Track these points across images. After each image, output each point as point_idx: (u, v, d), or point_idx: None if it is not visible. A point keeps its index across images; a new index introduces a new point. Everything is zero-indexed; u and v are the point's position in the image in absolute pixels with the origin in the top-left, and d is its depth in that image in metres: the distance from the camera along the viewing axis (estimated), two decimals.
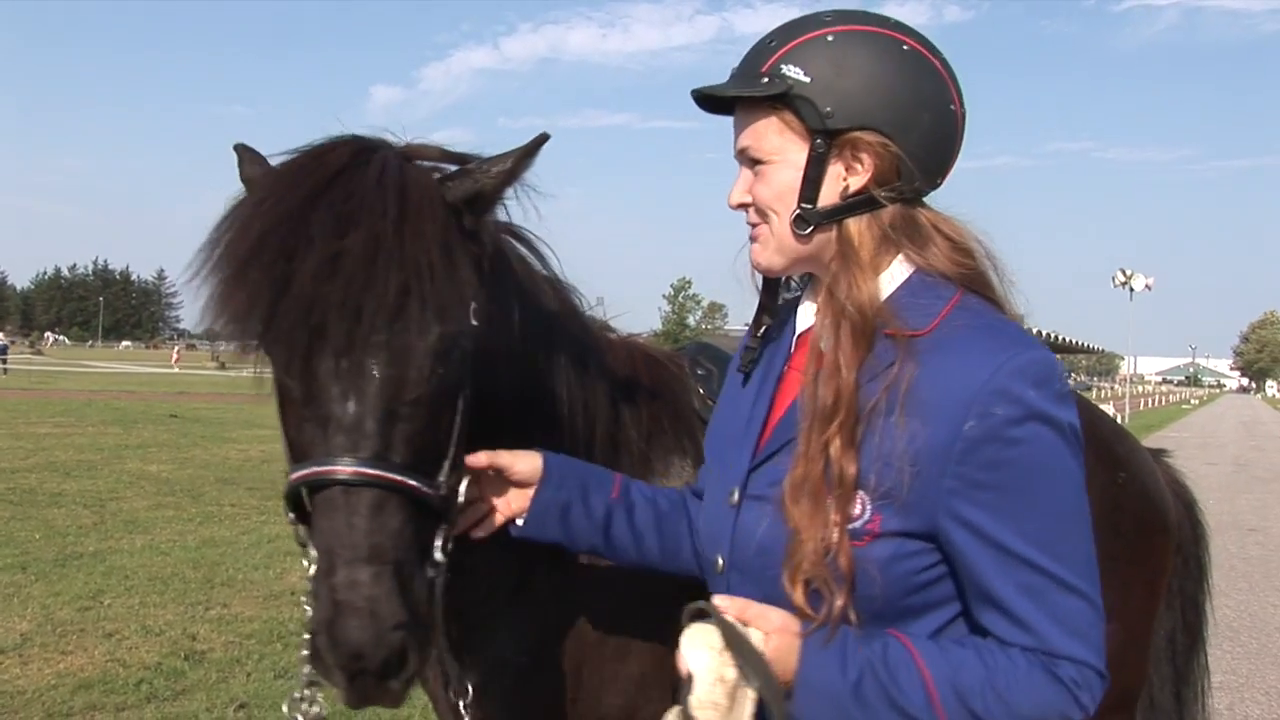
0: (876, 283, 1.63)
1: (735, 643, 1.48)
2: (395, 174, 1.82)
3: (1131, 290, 51.36)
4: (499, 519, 2.01)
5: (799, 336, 1.80)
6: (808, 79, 1.61)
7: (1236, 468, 26.01)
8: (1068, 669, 1.51)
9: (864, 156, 1.63)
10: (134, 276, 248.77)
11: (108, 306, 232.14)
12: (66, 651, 6.91)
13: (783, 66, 1.63)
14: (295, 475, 1.74)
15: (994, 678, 1.49)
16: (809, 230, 1.65)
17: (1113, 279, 51.72)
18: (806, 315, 1.78)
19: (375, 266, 1.71)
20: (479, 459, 1.93)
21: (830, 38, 1.63)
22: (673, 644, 1.56)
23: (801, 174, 1.64)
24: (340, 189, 1.78)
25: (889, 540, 1.53)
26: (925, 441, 1.50)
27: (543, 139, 1.97)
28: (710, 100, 1.76)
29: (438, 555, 1.80)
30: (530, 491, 1.97)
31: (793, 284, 1.89)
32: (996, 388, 1.48)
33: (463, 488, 1.91)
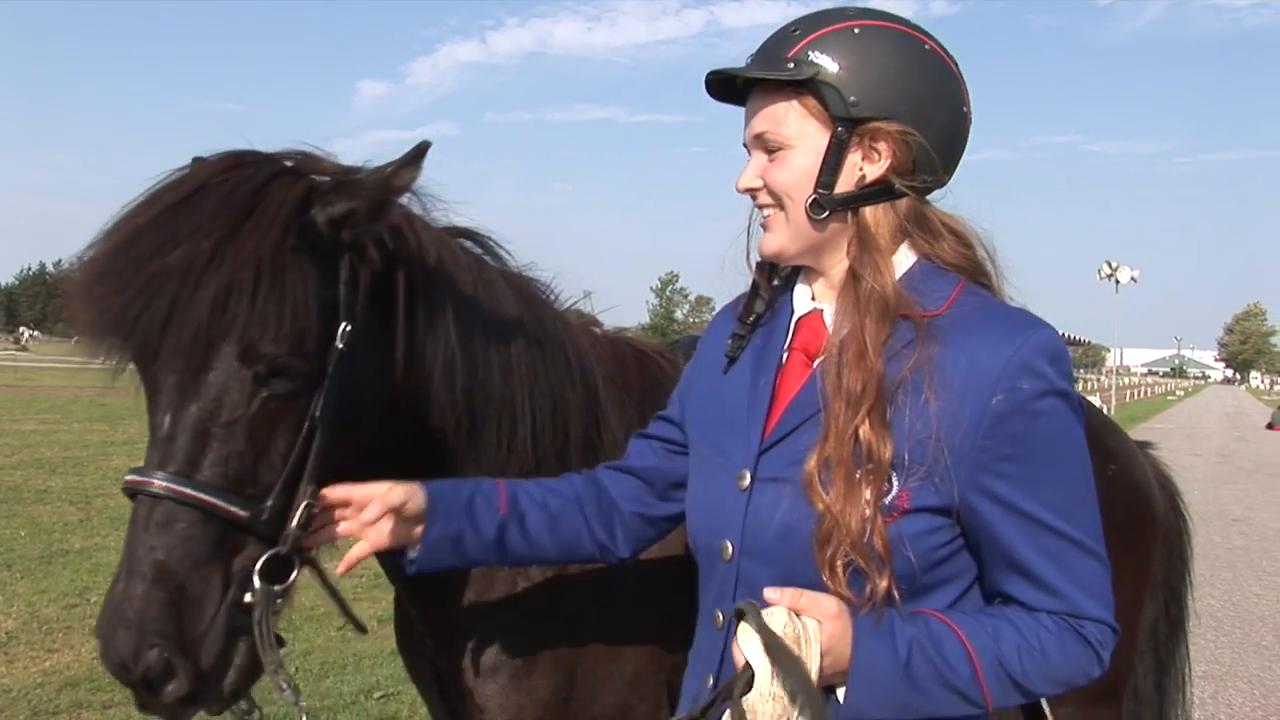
0: (894, 267, 1.68)
1: (775, 650, 1.46)
2: (246, 192, 1.83)
3: (1117, 282, 51.51)
4: (368, 550, 1.92)
5: (798, 320, 1.80)
6: (834, 67, 1.65)
7: (1221, 458, 26.14)
8: (1092, 629, 1.60)
9: (882, 146, 1.67)
10: None
11: None
12: (53, 649, 6.89)
13: (810, 53, 1.65)
14: (123, 479, 1.80)
15: (1028, 643, 1.57)
16: (824, 216, 1.69)
17: (1099, 271, 51.88)
18: (803, 300, 1.81)
19: (191, 286, 1.72)
20: (334, 494, 1.87)
21: (857, 30, 1.67)
22: (666, 642, 1.56)
23: (820, 160, 1.67)
24: (184, 207, 1.81)
25: (916, 516, 1.57)
26: (955, 417, 1.55)
27: (423, 147, 1.95)
28: (720, 87, 1.78)
29: (256, 580, 1.78)
30: (413, 525, 1.92)
31: (782, 271, 1.90)
32: (1021, 363, 1.55)
33: (298, 513, 1.82)
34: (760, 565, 1.67)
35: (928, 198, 1.75)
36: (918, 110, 1.67)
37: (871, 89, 1.65)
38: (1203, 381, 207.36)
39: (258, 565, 1.79)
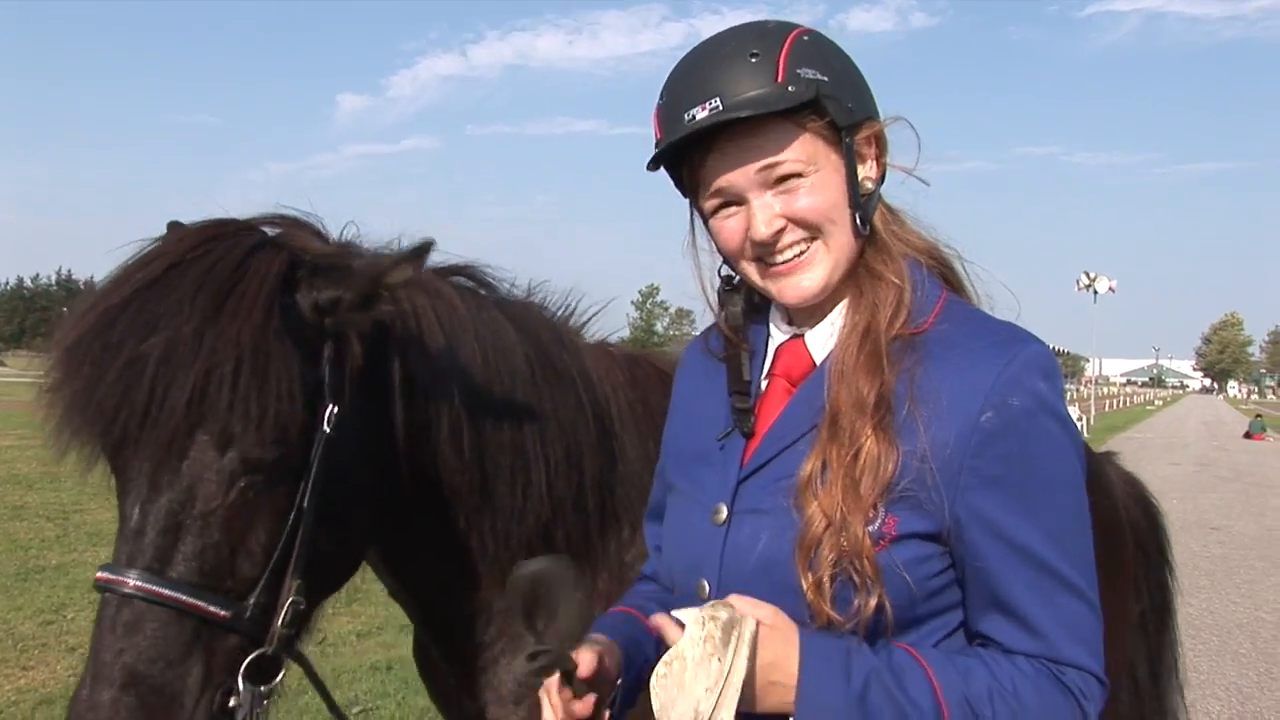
0: (905, 269, 1.60)
1: (709, 615, 1.40)
2: (225, 269, 1.74)
3: (1095, 293, 51.82)
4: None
5: (778, 347, 1.69)
6: (825, 77, 1.53)
7: (1199, 467, 26.27)
8: (1074, 677, 1.46)
9: (872, 146, 1.60)
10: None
11: None
12: (28, 667, 6.84)
13: (798, 70, 1.52)
14: (95, 577, 1.70)
15: (1002, 686, 1.43)
16: (868, 231, 1.59)
17: (1077, 282, 52.17)
18: (780, 326, 1.70)
19: (169, 374, 1.64)
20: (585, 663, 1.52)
21: (806, 38, 1.57)
22: None
23: (844, 175, 1.56)
24: (160, 287, 1.72)
25: (906, 543, 1.46)
26: (941, 436, 1.45)
27: (426, 247, 1.90)
28: (672, 150, 1.57)
29: (240, 683, 1.70)
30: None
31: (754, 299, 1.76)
32: (1011, 378, 1.46)
33: (283, 612, 1.74)
34: None
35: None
36: (870, 100, 1.62)
37: (851, 90, 1.58)
38: (1181, 391, 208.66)
39: (242, 668, 1.70)
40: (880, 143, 1.61)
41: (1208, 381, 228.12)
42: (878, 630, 1.48)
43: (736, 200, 1.57)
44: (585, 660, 1.50)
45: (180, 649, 1.66)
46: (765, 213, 1.54)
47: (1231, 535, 14.86)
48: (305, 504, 1.75)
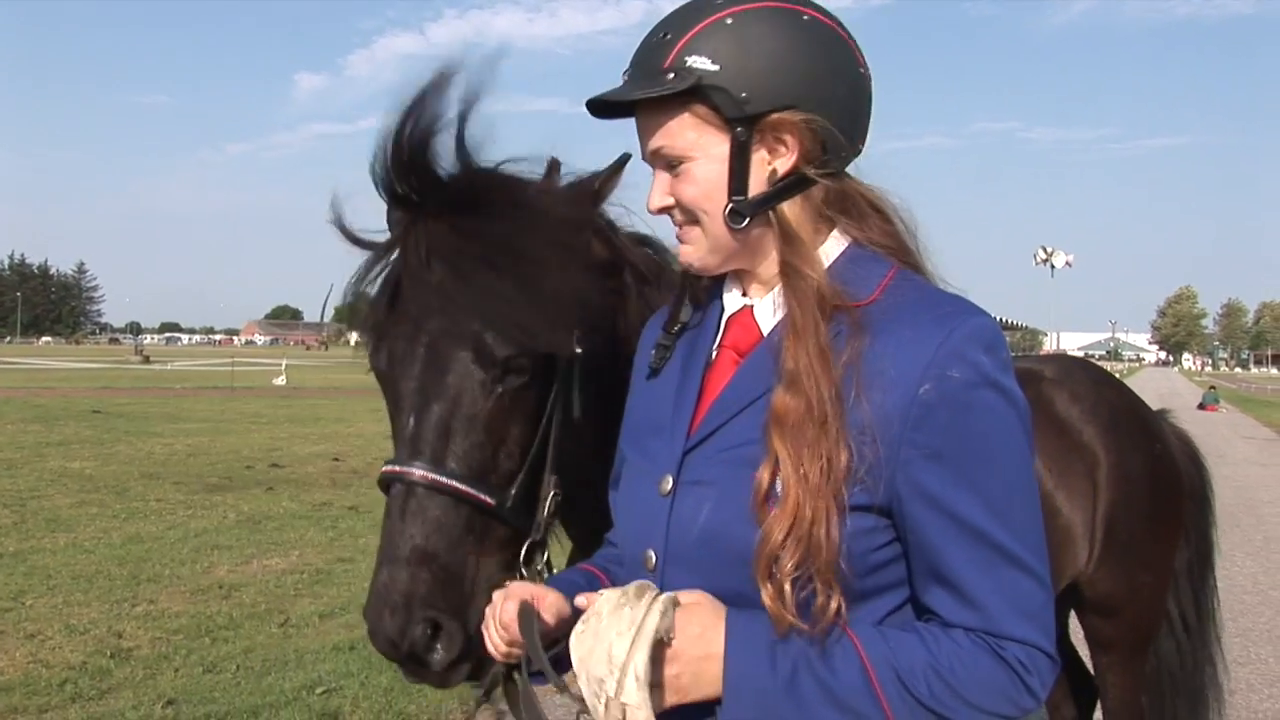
0: (822, 259, 1.59)
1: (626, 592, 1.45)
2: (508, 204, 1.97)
3: (1053, 267, 52.26)
4: None
5: (729, 318, 1.70)
6: (715, 67, 1.51)
7: None
8: (1015, 651, 1.44)
9: (787, 137, 1.55)
10: (53, 270, 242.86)
11: (26, 302, 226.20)
12: None
13: (687, 59, 1.52)
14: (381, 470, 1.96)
15: (937, 660, 1.42)
16: (745, 223, 1.58)
17: (1034, 256, 52.57)
18: (733, 297, 1.72)
19: (448, 301, 1.91)
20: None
21: (729, 20, 1.53)
22: None
23: (726, 167, 1.55)
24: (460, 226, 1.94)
25: (850, 516, 1.45)
26: (882, 409, 1.44)
27: (625, 158, 2.12)
28: (607, 106, 1.63)
29: (523, 569, 1.95)
30: None
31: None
32: (951, 350, 1.45)
33: (548, 503, 1.99)
34: (684, 574, 1.55)
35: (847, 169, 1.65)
36: (814, 90, 1.55)
37: (761, 80, 1.53)
38: (1137, 364, 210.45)
39: (522, 554, 1.96)
40: (805, 136, 1.56)
41: (1163, 354, 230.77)
42: (856, 597, 1.48)
43: (651, 166, 1.66)
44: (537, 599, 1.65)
45: (459, 531, 1.90)
46: (657, 189, 1.63)
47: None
48: (554, 410, 2.00)
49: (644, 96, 1.55)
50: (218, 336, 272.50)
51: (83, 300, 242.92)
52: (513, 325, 1.89)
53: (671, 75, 1.52)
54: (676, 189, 1.60)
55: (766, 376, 1.56)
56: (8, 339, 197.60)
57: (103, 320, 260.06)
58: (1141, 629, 3.61)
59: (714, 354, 1.70)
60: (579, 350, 1.99)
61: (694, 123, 1.55)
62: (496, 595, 1.69)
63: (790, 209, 1.58)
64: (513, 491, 1.96)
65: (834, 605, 1.42)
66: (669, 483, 1.61)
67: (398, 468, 1.90)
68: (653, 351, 1.82)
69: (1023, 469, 1.50)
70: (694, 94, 1.52)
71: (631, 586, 1.45)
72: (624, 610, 1.41)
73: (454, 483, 1.88)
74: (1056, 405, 3.47)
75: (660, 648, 1.40)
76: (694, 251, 1.64)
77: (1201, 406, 42.18)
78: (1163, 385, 79.94)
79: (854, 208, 1.64)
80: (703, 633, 1.43)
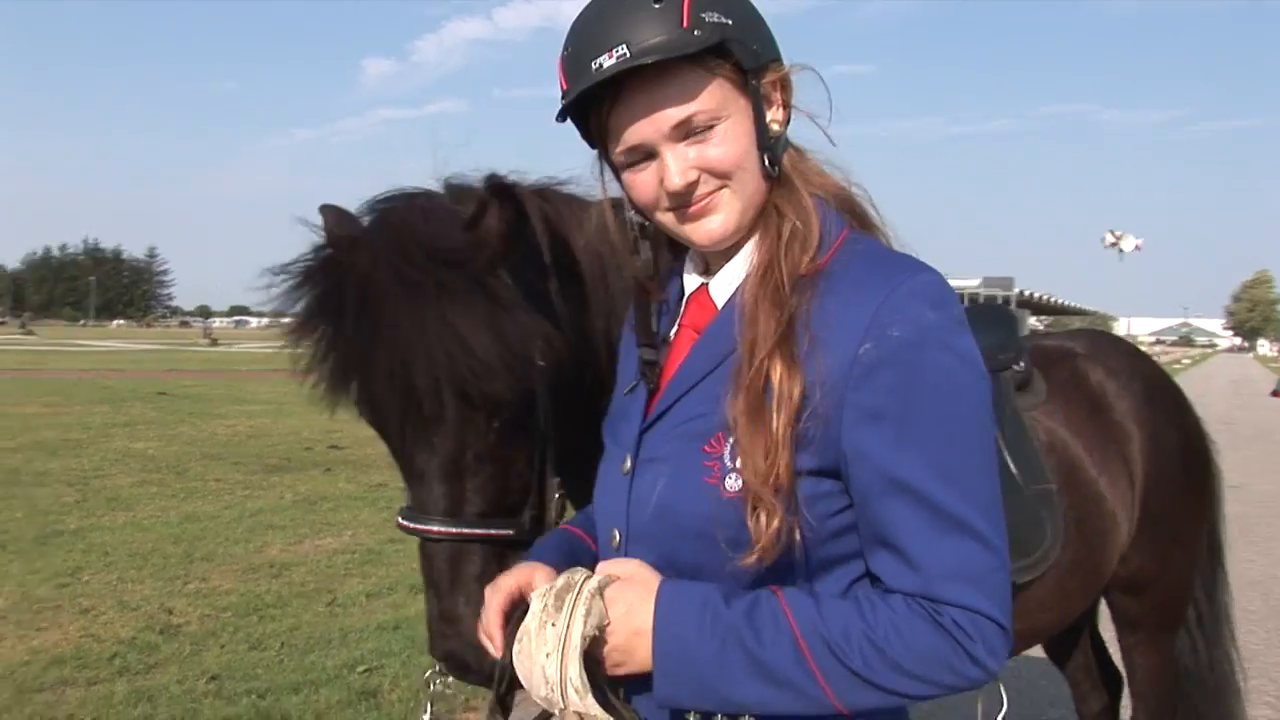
0: (811, 207, 1.59)
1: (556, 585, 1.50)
2: (421, 241, 1.95)
3: (1121, 251, 51.34)
4: None
5: (689, 298, 1.70)
6: (729, 20, 1.50)
7: (1223, 425, 25.99)
8: (955, 615, 1.39)
9: (778, 90, 1.59)
10: (125, 255, 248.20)
11: (99, 285, 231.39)
12: (41, 628, 6.92)
13: (704, 15, 1.48)
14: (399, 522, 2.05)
15: (871, 628, 1.39)
16: (777, 172, 1.58)
17: (1102, 240, 51.68)
18: (692, 276, 1.71)
19: (423, 364, 1.88)
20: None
21: None
22: None
23: (752, 120, 1.55)
24: (379, 285, 1.91)
25: (802, 480, 1.45)
26: (827, 370, 1.43)
27: (493, 181, 2.04)
28: (578, 103, 1.56)
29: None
30: None
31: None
32: (892, 308, 1.43)
33: (553, 504, 2.09)
34: (643, 551, 1.57)
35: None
36: (773, 42, 1.60)
37: (757, 32, 1.56)
38: (1210, 350, 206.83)
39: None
40: (786, 86, 1.60)
41: (1238, 340, 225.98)
42: (793, 570, 1.48)
43: (649, 153, 1.55)
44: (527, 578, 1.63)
45: (491, 563, 2.00)
46: (679, 163, 1.52)
47: (1251, 493, 14.75)
48: (544, 422, 2.07)
49: (679, 54, 1.46)
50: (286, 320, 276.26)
51: (154, 284, 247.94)
52: (471, 374, 1.89)
53: (699, 32, 1.47)
54: (707, 154, 1.53)
55: (720, 349, 1.56)
56: (82, 322, 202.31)
57: (173, 304, 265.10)
58: (1171, 606, 3.53)
59: (673, 334, 1.70)
60: (541, 364, 1.99)
61: (720, 83, 1.52)
62: (487, 593, 1.65)
63: (786, 159, 1.61)
64: (527, 513, 2.06)
65: (774, 524, 1.42)
66: (628, 463, 1.63)
67: (417, 525, 2.00)
68: (625, 337, 1.86)
69: (974, 429, 1.45)
70: (713, 50, 1.50)
71: (553, 592, 1.48)
72: (548, 628, 1.44)
73: (474, 530, 1.99)
74: (1091, 381, 3.39)
75: (595, 643, 1.44)
76: (726, 219, 1.56)
77: (1275, 393, 41.17)
78: (1235, 371, 78.32)
79: (807, 160, 1.66)
80: (629, 610, 1.46)
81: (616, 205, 2.32)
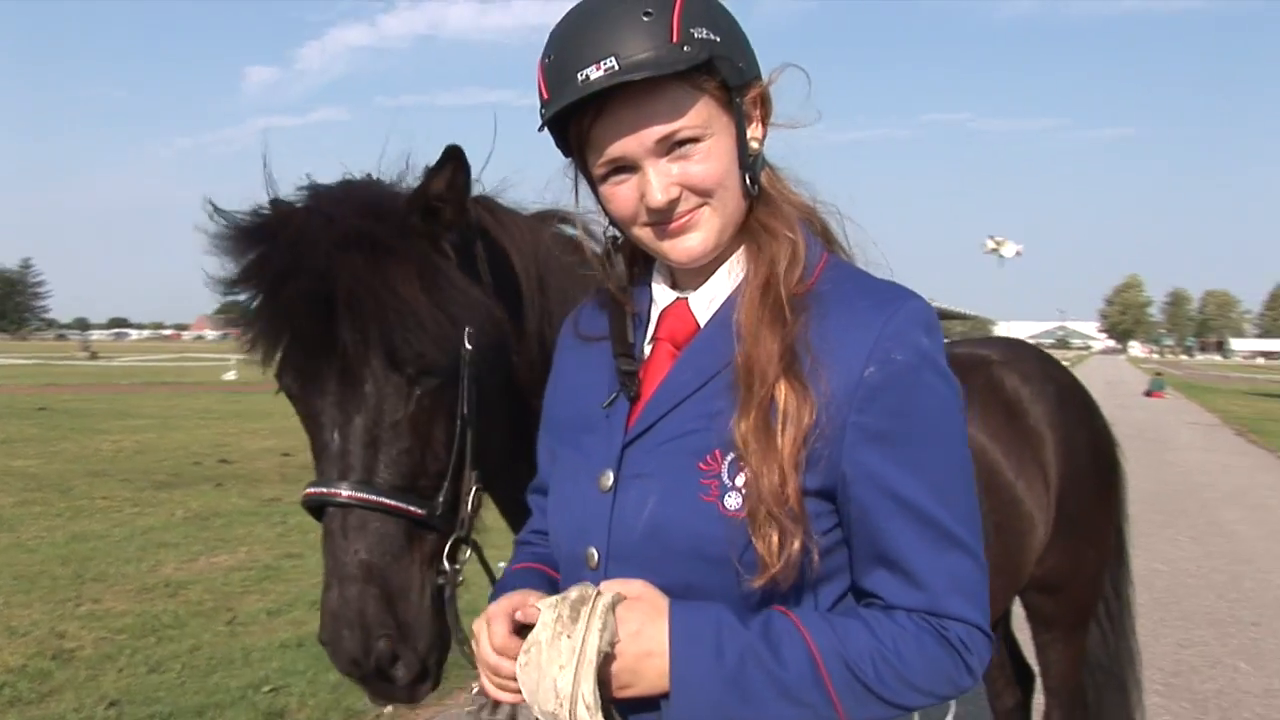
0: (797, 223, 1.61)
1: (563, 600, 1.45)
2: (357, 215, 1.93)
3: (1001, 257, 52.75)
4: None
5: (663, 311, 1.68)
6: (717, 37, 1.49)
7: None
8: (957, 630, 1.45)
9: (758, 106, 1.59)
10: None
11: None
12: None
13: (692, 30, 1.47)
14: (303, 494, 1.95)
15: (882, 644, 1.42)
16: (757, 190, 1.59)
17: (983, 245, 53.07)
18: (663, 290, 1.70)
19: (349, 319, 1.85)
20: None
21: None
22: None
23: (734, 138, 1.54)
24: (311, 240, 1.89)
25: (807, 499, 1.46)
26: (828, 392, 1.45)
27: (450, 151, 2.02)
28: (558, 117, 1.53)
29: (445, 563, 1.97)
30: None
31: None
32: (893, 333, 1.46)
33: (470, 499, 2.00)
34: (629, 569, 1.53)
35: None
36: (755, 59, 1.59)
37: (741, 48, 1.55)
38: (1085, 352, 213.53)
39: (445, 550, 1.97)
40: (766, 102, 1.60)
41: (1111, 342, 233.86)
42: (792, 589, 1.49)
43: (630, 167, 1.53)
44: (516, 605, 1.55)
45: (399, 545, 1.91)
46: (662, 179, 1.51)
47: (1131, 491, 15.26)
48: (465, 407, 1.98)
49: (670, 71, 1.45)
50: (167, 331, 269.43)
51: (28, 295, 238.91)
52: (401, 325, 1.87)
53: (688, 48, 1.46)
54: (690, 172, 1.52)
55: (709, 365, 1.56)
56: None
57: (49, 316, 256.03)
58: (1083, 604, 3.67)
59: (648, 348, 1.68)
60: (469, 347, 1.97)
61: (704, 97, 1.51)
62: (477, 626, 1.59)
63: (765, 175, 1.63)
64: (440, 499, 1.96)
65: (795, 545, 1.43)
66: (609, 478, 1.58)
67: (325, 489, 1.89)
68: (572, 349, 1.82)
69: (962, 449, 1.52)
70: (701, 67, 1.48)
71: (567, 602, 1.43)
72: (562, 640, 1.40)
73: (384, 499, 1.89)
74: (1006, 387, 3.49)
75: (606, 660, 1.40)
76: (705, 238, 1.56)
77: (1148, 393, 42.75)
78: (1111, 373, 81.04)
79: (781, 178, 1.67)
80: (640, 629, 1.43)
81: (547, 218, 2.37)
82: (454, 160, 2.00)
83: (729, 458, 1.48)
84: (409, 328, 1.86)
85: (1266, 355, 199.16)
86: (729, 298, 1.61)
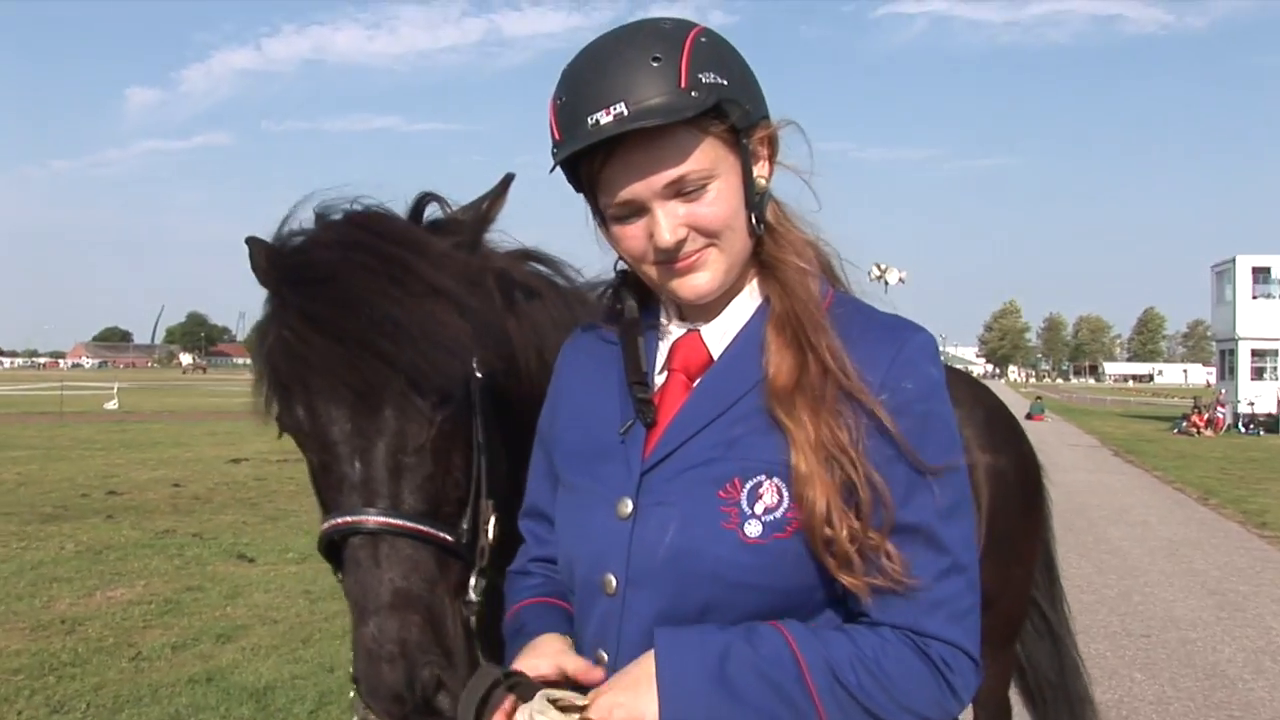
0: (812, 255, 1.68)
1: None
2: (376, 243, 1.90)
3: (886, 284, 53.81)
4: None
5: (675, 342, 1.71)
6: (725, 81, 1.53)
7: None
8: (939, 649, 1.49)
9: (765, 146, 1.63)
10: None
11: None
12: None
13: (700, 76, 1.51)
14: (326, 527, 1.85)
15: (864, 654, 1.46)
16: (762, 229, 1.63)
17: (869, 273, 53.92)
18: (672, 322, 1.74)
19: (371, 346, 1.80)
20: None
21: (703, 38, 1.56)
22: None
23: (742, 179, 1.59)
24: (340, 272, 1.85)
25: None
26: (850, 420, 1.51)
27: (509, 179, 2.10)
28: (574, 158, 1.58)
29: (471, 595, 1.90)
30: None
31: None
32: (904, 362, 1.55)
33: (490, 526, 1.95)
34: (649, 594, 1.56)
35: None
36: (763, 99, 1.64)
37: (748, 91, 1.59)
38: None
39: (472, 581, 1.91)
40: (773, 142, 1.65)
41: (990, 367, 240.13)
42: (805, 607, 1.53)
43: (640, 209, 1.57)
44: (579, 667, 1.60)
45: (433, 572, 1.84)
46: (670, 220, 1.55)
47: None
48: (480, 436, 1.97)
49: (679, 118, 1.49)
50: (43, 359, 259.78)
51: None
52: (415, 361, 1.82)
53: (696, 94, 1.50)
54: (698, 213, 1.55)
55: (727, 396, 1.61)
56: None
57: None
58: (1012, 621, 3.79)
59: (660, 378, 1.71)
60: (479, 375, 1.98)
61: (711, 141, 1.54)
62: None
63: (771, 213, 1.67)
64: (464, 525, 1.92)
65: (890, 549, 1.49)
66: (628, 506, 1.60)
67: (350, 518, 1.82)
68: (574, 373, 1.84)
69: (963, 473, 1.58)
70: (709, 111, 1.52)
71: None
72: None
73: (416, 525, 1.83)
74: None
75: None
76: (712, 277, 1.60)
77: (1029, 416, 43.99)
78: None
79: (788, 215, 1.72)
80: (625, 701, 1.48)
81: (519, 257, 2.45)
82: (507, 187, 2.10)
83: (748, 485, 1.53)
84: (429, 350, 1.83)
85: (1136, 379, 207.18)
86: (742, 330, 1.66)
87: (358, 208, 2.01)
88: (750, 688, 1.44)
